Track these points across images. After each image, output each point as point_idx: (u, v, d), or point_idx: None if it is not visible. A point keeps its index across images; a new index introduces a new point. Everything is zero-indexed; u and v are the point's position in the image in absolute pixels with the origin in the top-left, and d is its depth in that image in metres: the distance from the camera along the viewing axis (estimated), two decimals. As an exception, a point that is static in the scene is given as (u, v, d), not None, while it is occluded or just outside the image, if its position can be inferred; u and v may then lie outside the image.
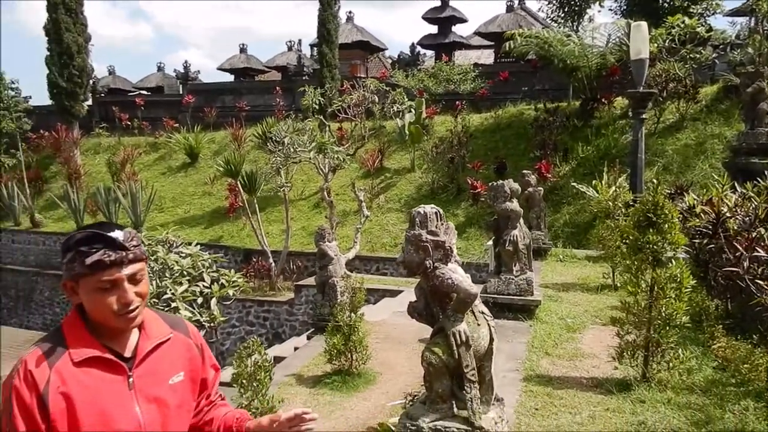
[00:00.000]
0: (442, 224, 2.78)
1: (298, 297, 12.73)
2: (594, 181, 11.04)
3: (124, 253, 1.65)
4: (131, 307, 1.66)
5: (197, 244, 8.23)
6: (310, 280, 12.56)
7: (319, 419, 5.70)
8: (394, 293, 10.91)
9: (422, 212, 2.77)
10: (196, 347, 1.89)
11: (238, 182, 14.29)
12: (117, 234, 1.66)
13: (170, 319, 1.92)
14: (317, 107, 15.75)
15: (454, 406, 2.80)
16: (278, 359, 7.20)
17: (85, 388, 1.62)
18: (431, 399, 2.79)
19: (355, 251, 12.56)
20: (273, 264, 13.90)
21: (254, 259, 14.48)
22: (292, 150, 12.55)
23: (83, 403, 1.60)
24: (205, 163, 20.45)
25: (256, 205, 14.61)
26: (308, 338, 8.52)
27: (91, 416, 1.60)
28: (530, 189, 9.75)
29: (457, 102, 18.21)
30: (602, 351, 5.69)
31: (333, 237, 8.58)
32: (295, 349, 8.32)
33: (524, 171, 10.19)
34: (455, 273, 2.69)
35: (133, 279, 1.68)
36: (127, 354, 1.72)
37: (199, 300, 7.32)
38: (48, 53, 21.39)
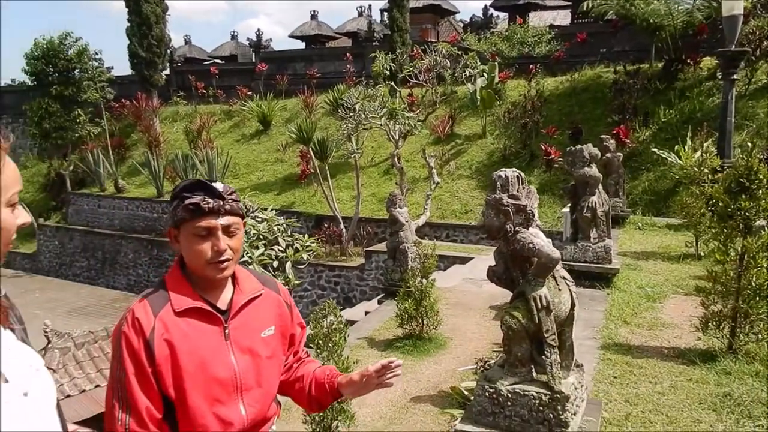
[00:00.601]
0: (524, 188, 2.72)
1: (368, 262, 12.88)
2: (676, 147, 10.53)
3: (221, 202, 1.73)
4: (223, 257, 1.74)
5: (272, 209, 8.41)
6: (381, 246, 12.68)
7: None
8: (464, 260, 10.87)
9: (503, 176, 2.71)
10: (285, 304, 1.96)
11: (310, 149, 14.48)
12: (217, 185, 1.76)
13: (262, 277, 2.00)
14: (388, 73, 15.67)
15: (533, 370, 2.77)
16: (349, 323, 7.34)
17: (186, 336, 1.71)
18: (510, 363, 2.77)
19: (425, 218, 12.55)
20: (344, 230, 14.10)
21: (325, 225, 14.73)
22: (362, 116, 12.57)
23: (184, 349, 1.70)
24: (277, 130, 20.80)
25: (327, 172, 14.79)
26: (379, 303, 8.63)
27: (191, 362, 1.70)
28: (609, 154, 9.40)
29: (531, 65, 17.68)
30: (684, 321, 5.49)
31: (404, 203, 8.59)
32: (366, 313, 8.44)
33: (602, 136, 9.83)
34: (537, 237, 2.63)
35: (228, 230, 1.76)
36: (223, 307, 1.81)
37: (275, 264, 7.50)
38: (128, 24, 22.17)
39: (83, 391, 5.18)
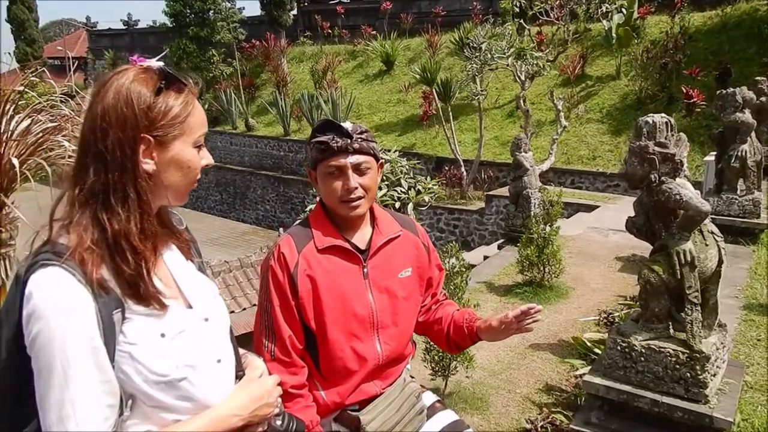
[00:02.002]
0: (673, 135, 2.53)
1: (488, 207, 12.74)
2: None
3: (349, 141, 1.76)
4: (353, 195, 1.78)
5: (396, 150, 8.48)
6: (501, 191, 12.47)
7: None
8: (589, 208, 10.47)
9: (650, 122, 2.53)
10: (423, 246, 1.98)
11: (433, 90, 14.31)
12: (346, 125, 1.78)
13: (400, 218, 2.02)
14: (516, 10, 14.97)
15: (671, 327, 2.64)
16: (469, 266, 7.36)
17: (327, 273, 1.79)
18: (645, 318, 2.66)
19: (550, 163, 12.12)
20: (464, 173, 13.97)
21: (446, 168, 14.65)
22: (488, 56, 12.18)
23: (325, 285, 1.77)
24: (400, 70, 20.70)
25: (450, 113, 14.59)
26: (498, 248, 8.56)
27: (331, 298, 1.78)
28: (763, 98, 8.51)
29: None
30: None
31: (529, 147, 8.34)
32: (485, 257, 8.41)
33: (757, 78, 8.88)
34: (684, 188, 2.45)
35: (358, 169, 1.79)
36: (362, 246, 1.86)
37: (397, 205, 7.63)
38: (258, -36, 22.62)
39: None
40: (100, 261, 1.12)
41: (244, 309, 5.67)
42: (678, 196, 2.43)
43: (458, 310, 2.05)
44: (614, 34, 15.22)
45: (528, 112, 13.32)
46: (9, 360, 1.12)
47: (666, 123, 2.54)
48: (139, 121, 1.16)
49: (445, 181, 13.91)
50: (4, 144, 4.17)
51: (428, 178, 8.26)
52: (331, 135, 1.76)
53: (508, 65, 12.61)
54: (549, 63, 13.14)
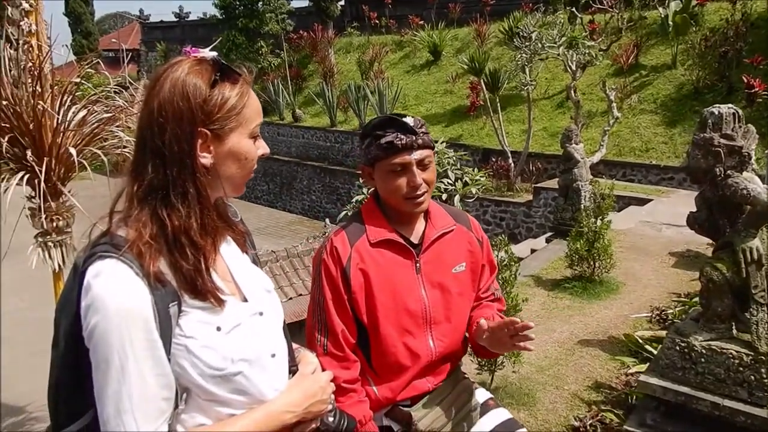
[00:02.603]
0: (740, 127, 2.40)
1: (536, 199, 12.53)
2: None
3: (414, 137, 1.72)
4: (419, 192, 1.74)
5: (442, 142, 8.40)
6: (550, 183, 12.24)
7: (556, 323, 5.61)
8: (641, 201, 10.19)
9: (716, 113, 2.41)
10: (477, 241, 1.93)
11: (481, 80, 14.13)
12: (408, 120, 1.73)
13: (454, 211, 1.98)
14: (568, -2, 14.62)
15: (734, 327, 2.52)
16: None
17: (380, 267, 1.76)
18: (707, 317, 2.54)
19: (601, 155, 11.83)
20: (512, 164, 13.77)
21: (493, 159, 14.47)
22: (539, 46, 11.94)
23: (377, 279, 1.75)
24: (447, 60, 20.51)
25: (498, 104, 14.39)
26: (547, 241, 8.41)
27: (384, 292, 1.75)
28: (831, 89, 8.10)
29: (739, -16, 15.50)
30: None
31: (579, 139, 8.15)
32: (532, 251, 8.27)
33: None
34: (752, 183, 2.33)
35: (422, 164, 1.74)
36: (415, 240, 1.83)
37: (443, 196, 7.56)
38: (306, -45, 22.73)
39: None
40: (157, 254, 1.12)
41: (290, 299, 5.73)
42: (745, 191, 2.31)
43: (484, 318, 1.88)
44: (671, 22, 14.70)
45: (579, 103, 13.01)
46: (67, 350, 1.14)
47: (733, 114, 2.41)
48: (196, 115, 1.15)
49: (492, 173, 13.73)
50: (62, 134, 4.29)
51: (475, 170, 8.16)
52: (395, 132, 1.72)
53: (558, 55, 12.34)
54: (601, 52, 12.80)
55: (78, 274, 1.12)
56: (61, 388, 1.17)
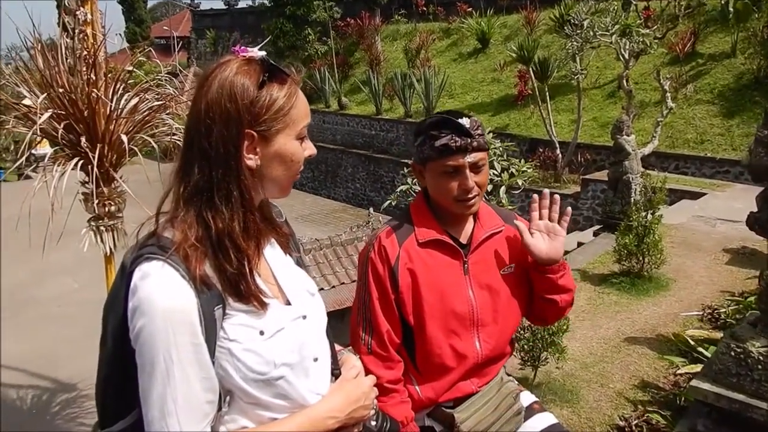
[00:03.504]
0: (808, 121, 2.27)
1: (584, 191, 12.27)
2: None
3: (468, 140, 1.68)
4: (470, 195, 1.71)
5: (489, 131, 8.26)
6: (598, 175, 11.97)
7: (602, 319, 5.48)
8: (694, 195, 9.88)
9: (782, 106, 2.29)
10: None
11: (530, 69, 13.87)
12: (464, 121, 1.69)
13: (503, 212, 1.95)
14: (622, -16, 14.15)
15: (794, 334, 2.41)
16: (563, 252, 7.13)
17: (428, 267, 1.74)
18: (765, 322, 2.44)
19: (653, 146, 11.47)
20: (559, 155, 13.51)
21: (540, 149, 14.20)
22: (591, 34, 11.63)
23: (425, 280, 1.73)
24: (495, 48, 20.20)
25: (547, 93, 14.11)
26: (594, 235, 8.23)
27: (431, 293, 1.73)
28: None
29: (805, -33, 14.73)
30: None
31: (631, 130, 7.93)
32: (579, 244, 8.11)
33: None
34: (819, 182, 2.21)
35: (475, 167, 1.70)
36: (464, 241, 1.80)
37: (489, 187, 7.44)
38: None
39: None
40: (203, 257, 1.12)
41: (333, 287, 5.76)
42: (811, 192, 2.19)
43: None
44: (731, 8, 14.10)
45: (631, 93, 12.64)
46: (114, 349, 1.16)
47: (800, 108, 2.29)
48: (243, 117, 1.14)
49: (539, 164, 13.48)
50: (114, 121, 4.40)
51: (522, 161, 7.98)
52: (450, 134, 1.67)
53: (611, 43, 11.98)
54: (656, 40, 12.37)
55: (126, 274, 1.13)
56: (108, 387, 1.19)
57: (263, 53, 1.22)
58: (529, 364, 3.97)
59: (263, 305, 1.16)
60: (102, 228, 4.75)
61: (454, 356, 1.76)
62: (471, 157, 1.69)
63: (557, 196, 1.83)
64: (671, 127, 13.23)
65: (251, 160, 1.17)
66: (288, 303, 1.25)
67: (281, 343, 1.17)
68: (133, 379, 1.10)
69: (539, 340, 3.89)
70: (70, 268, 9.91)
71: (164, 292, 1.07)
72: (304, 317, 1.26)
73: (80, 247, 4.38)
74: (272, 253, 1.30)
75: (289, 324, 1.21)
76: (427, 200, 1.82)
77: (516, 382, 1.93)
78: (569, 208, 1.84)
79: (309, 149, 1.27)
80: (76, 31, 4.36)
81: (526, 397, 1.94)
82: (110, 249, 4.69)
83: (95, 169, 4.29)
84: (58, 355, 7.38)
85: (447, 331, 1.75)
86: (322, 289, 5.68)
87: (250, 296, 1.15)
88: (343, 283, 5.89)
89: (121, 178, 4.98)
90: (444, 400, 1.80)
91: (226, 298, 1.13)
